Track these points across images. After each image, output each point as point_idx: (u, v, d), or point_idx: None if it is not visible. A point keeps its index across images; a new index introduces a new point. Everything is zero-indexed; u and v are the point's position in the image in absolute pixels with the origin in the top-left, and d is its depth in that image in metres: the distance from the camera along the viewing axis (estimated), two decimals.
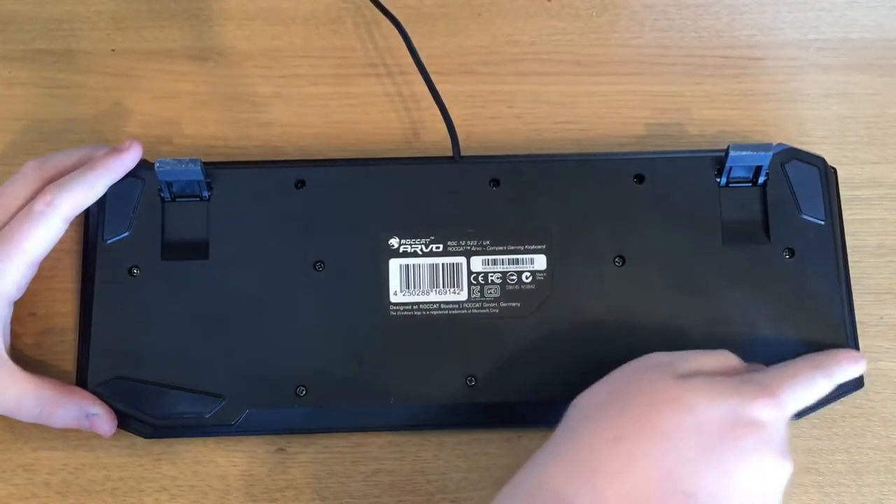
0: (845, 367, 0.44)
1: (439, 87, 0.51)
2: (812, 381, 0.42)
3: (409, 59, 0.53)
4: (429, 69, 0.52)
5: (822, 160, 0.50)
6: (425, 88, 0.52)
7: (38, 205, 0.45)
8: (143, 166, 0.49)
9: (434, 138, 0.53)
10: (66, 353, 0.48)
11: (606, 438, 0.38)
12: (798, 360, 0.44)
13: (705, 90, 0.54)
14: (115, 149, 0.48)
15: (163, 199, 0.49)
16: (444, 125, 0.51)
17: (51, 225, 0.45)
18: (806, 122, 0.53)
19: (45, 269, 0.49)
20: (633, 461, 0.37)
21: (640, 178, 0.49)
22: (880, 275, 0.50)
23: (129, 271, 0.48)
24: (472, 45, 0.55)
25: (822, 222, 0.48)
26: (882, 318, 0.50)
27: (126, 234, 0.48)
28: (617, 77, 0.54)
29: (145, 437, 0.46)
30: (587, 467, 0.37)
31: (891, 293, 0.50)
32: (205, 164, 0.48)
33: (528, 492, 0.38)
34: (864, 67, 0.55)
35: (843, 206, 0.50)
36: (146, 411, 0.46)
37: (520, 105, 0.54)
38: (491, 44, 0.55)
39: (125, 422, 0.46)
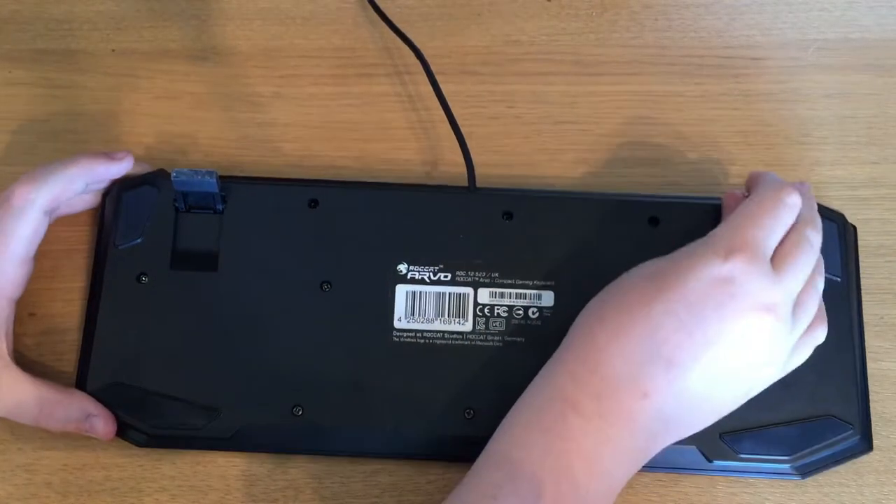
0: (793, 193, 0.43)
1: (441, 89, 0.52)
2: (774, 217, 0.43)
3: (410, 60, 0.53)
4: (438, 83, 0.52)
5: (842, 216, 0.49)
6: (426, 89, 0.52)
7: (17, 200, 0.45)
8: (160, 175, 0.49)
9: (435, 138, 0.53)
10: (65, 353, 0.48)
11: (609, 331, 0.41)
12: (753, 197, 0.44)
13: (705, 90, 0.54)
14: (107, 153, 0.48)
15: (177, 209, 0.49)
16: (446, 125, 0.51)
17: (31, 219, 0.45)
18: (806, 122, 0.53)
19: (46, 270, 0.49)
20: (629, 338, 0.41)
21: (654, 221, 0.48)
22: (880, 275, 0.50)
23: (138, 278, 0.48)
24: (472, 45, 0.55)
25: (839, 279, 0.48)
26: (882, 318, 0.50)
27: (138, 240, 0.48)
28: (617, 77, 0.54)
29: (139, 445, 0.46)
30: (593, 358, 0.41)
31: (891, 293, 0.50)
32: (220, 177, 0.48)
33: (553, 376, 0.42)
34: (864, 67, 0.55)
35: (842, 206, 0.50)
36: (141, 419, 0.46)
37: (520, 105, 0.54)
38: (491, 44, 0.55)
39: (120, 429, 0.46)
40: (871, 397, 0.47)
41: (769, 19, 0.56)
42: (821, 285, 0.44)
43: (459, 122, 0.51)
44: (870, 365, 0.48)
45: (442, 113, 0.51)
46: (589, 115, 0.54)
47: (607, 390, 0.40)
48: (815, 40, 0.55)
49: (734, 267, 0.40)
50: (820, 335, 0.44)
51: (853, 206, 0.51)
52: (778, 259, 0.42)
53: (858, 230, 0.50)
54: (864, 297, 0.49)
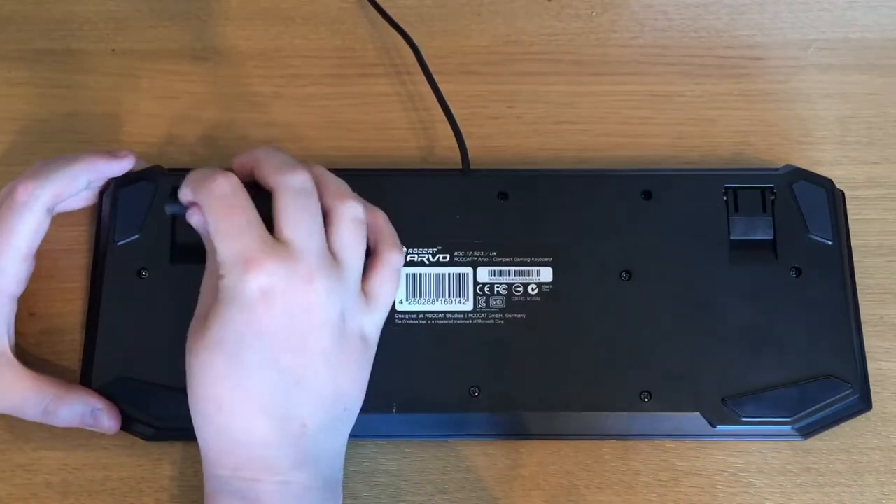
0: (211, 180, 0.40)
1: (440, 87, 0.51)
2: (228, 219, 0.40)
3: (409, 60, 0.53)
4: (429, 69, 0.52)
5: (830, 181, 0.50)
6: (426, 88, 0.52)
7: (20, 195, 0.45)
8: (156, 171, 0.49)
9: (434, 138, 0.53)
10: (66, 352, 0.48)
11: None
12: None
13: (705, 90, 0.54)
14: (109, 151, 0.48)
15: None
16: (445, 125, 0.51)
17: (34, 215, 0.45)
18: (806, 122, 0.53)
19: (45, 269, 0.49)
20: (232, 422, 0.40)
21: (647, 195, 0.49)
22: (880, 275, 0.50)
23: (138, 273, 0.48)
24: (472, 45, 0.55)
25: (830, 242, 0.48)
26: (882, 318, 0.50)
27: (137, 236, 0.48)
28: (617, 77, 0.54)
29: (146, 439, 0.46)
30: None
31: (891, 293, 0.50)
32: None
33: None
34: (864, 67, 0.55)
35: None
36: (148, 413, 0.46)
37: (520, 105, 0.54)
38: (491, 44, 0.55)
39: (127, 423, 0.46)
40: (871, 398, 0.47)
41: (769, 19, 0.56)
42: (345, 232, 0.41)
43: (459, 122, 0.51)
44: (870, 365, 0.48)
45: (442, 113, 0.51)
46: (589, 115, 0.54)
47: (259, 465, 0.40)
48: (815, 40, 0.55)
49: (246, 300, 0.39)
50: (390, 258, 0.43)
51: (853, 206, 0.51)
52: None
53: (858, 230, 0.50)
54: (865, 298, 0.49)
